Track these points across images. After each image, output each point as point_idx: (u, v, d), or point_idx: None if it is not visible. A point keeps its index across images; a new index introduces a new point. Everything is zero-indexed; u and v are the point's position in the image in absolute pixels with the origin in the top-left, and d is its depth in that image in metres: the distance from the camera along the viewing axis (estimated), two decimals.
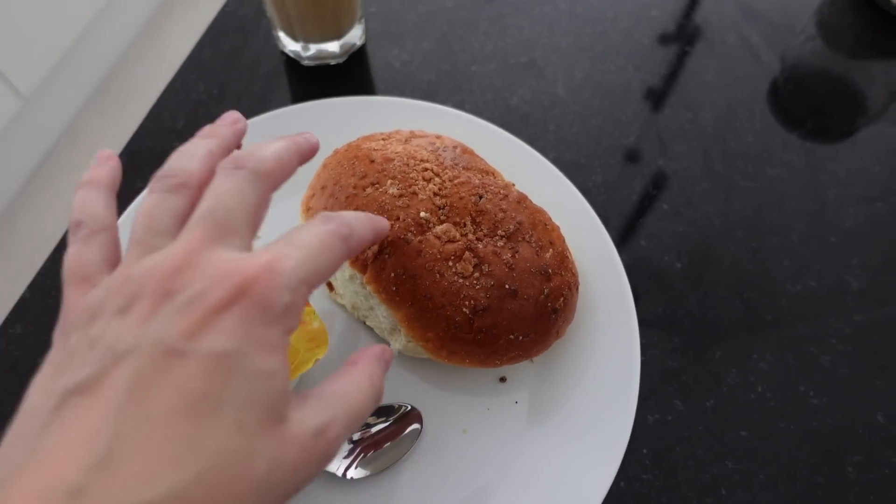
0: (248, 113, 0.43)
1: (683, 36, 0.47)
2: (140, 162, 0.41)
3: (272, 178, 0.22)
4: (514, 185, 0.34)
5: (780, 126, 0.43)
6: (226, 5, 0.47)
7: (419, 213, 0.30)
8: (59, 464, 0.16)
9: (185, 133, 0.42)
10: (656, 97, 0.44)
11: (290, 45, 0.44)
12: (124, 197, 0.39)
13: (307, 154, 0.24)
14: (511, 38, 0.47)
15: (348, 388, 0.22)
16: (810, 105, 0.45)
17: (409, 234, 0.30)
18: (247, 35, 0.46)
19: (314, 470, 0.20)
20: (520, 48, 0.46)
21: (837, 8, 0.49)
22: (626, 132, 0.43)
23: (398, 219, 0.30)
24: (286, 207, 0.34)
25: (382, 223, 0.25)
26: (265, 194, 0.22)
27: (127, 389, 0.17)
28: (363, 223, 0.23)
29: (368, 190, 0.31)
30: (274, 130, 0.39)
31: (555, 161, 0.41)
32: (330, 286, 0.35)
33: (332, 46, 0.43)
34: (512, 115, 0.43)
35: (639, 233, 0.39)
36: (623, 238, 0.39)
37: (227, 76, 0.44)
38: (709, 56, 0.46)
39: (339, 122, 0.39)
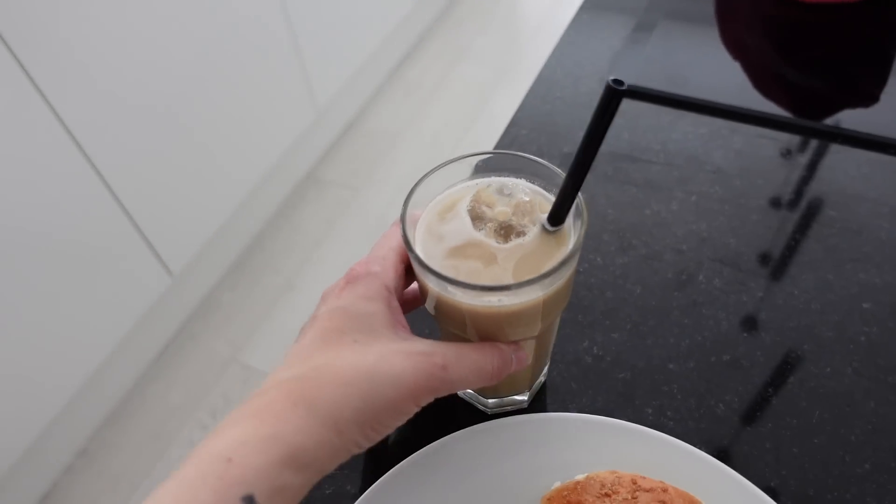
0: (441, 409, 0.42)
1: None
2: None
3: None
4: None
5: None
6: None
7: None
8: (278, 368, 0.30)
9: None
10: (885, 416, 0.40)
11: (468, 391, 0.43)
12: None
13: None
14: (708, 331, 0.44)
15: (467, 348, 0.31)
16: None
17: None
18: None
19: (420, 382, 0.28)
20: (719, 344, 0.44)
21: None
22: (858, 456, 0.38)
23: None
24: None
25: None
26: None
27: (300, 335, 0.31)
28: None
29: None
30: (461, 450, 0.37)
31: (778, 489, 0.36)
32: None
33: (521, 397, 0.42)
34: (721, 429, 0.40)
35: None
36: None
37: None
38: None
39: (533, 443, 0.37)
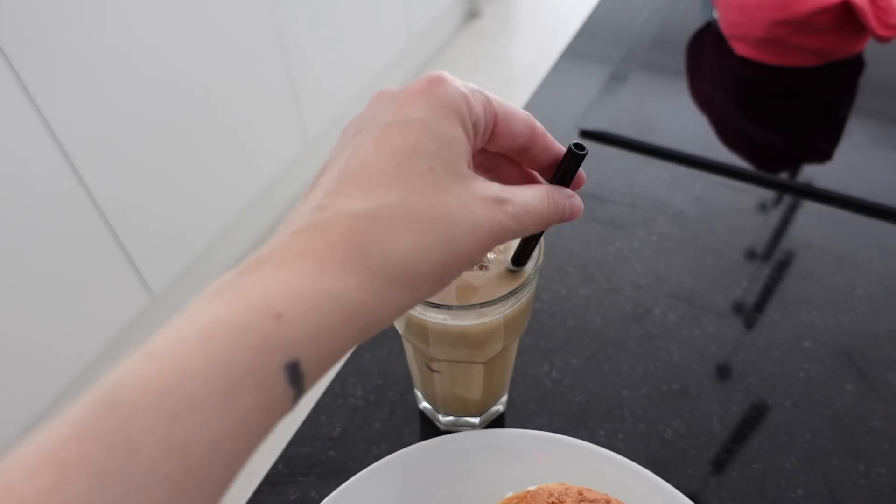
0: (403, 423, 0.44)
1: (842, 381, 0.46)
2: (294, 470, 0.42)
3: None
4: None
5: None
6: None
7: None
8: (314, 194, 0.23)
9: (340, 443, 0.43)
10: (819, 446, 0.42)
11: (426, 405, 0.45)
12: None
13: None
14: (661, 361, 0.47)
15: (529, 189, 0.26)
16: None
17: None
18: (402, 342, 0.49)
19: (494, 233, 0.24)
20: (670, 373, 0.46)
21: None
22: (792, 482, 0.41)
23: None
24: None
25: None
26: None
27: (353, 147, 0.24)
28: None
29: None
30: (421, 461, 0.39)
31: None
32: None
33: (473, 420, 0.44)
34: (668, 452, 0.42)
35: None
36: None
37: (383, 382, 0.46)
38: (873, 399, 0.45)
39: (488, 456, 0.40)
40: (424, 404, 0.44)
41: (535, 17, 2.46)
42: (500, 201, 0.24)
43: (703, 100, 0.69)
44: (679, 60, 0.74)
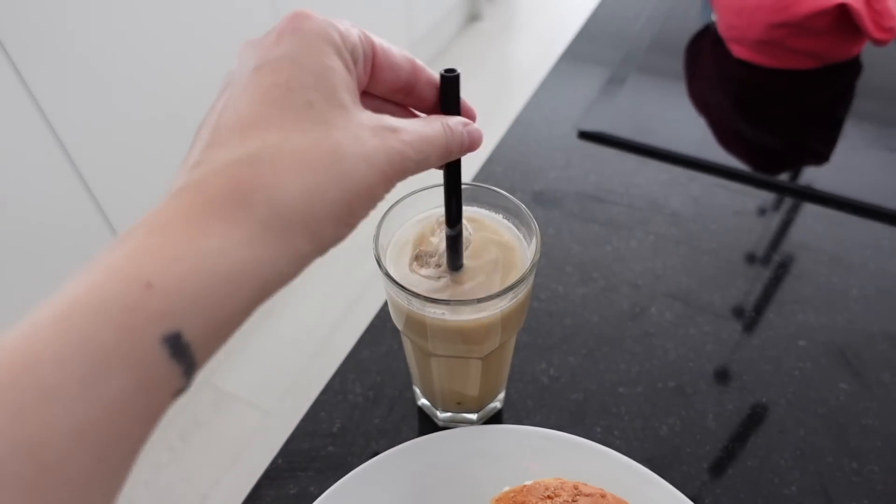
0: (401, 419, 0.44)
1: (837, 379, 0.47)
2: (294, 465, 0.42)
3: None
4: None
5: None
6: (384, 305, 0.51)
7: None
8: (190, 154, 0.21)
9: (339, 438, 0.44)
10: (813, 443, 0.43)
11: (424, 402, 0.45)
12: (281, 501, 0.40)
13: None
14: (657, 359, 0.48)
15: (421, 119, 0.25)
16: None
17: None
18: (401, 340, 0.49)
19: (394, 163, 0.22)
20: (666, 372, 0.47)
21: None
22: (787, 479, 0.41)
23: None
24: None
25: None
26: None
27: (225, 100, 0.22)
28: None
29: None
30: (419, 456, 0.40)
31: None
32: None
33: (471, 416, 0.44)
34: (663, 449, 0.43)
35: None
36: None
37: (382, 379, 0.47)
38: (867, 398, 0.45)
39: (485, 451, 0.40)
40: (423, 401, 0.45)
41: (535, 19, 2.47)
42: (393, 129, 0.23)
43: (701, 102, 0.69)
44: (677, 63, 0.74)
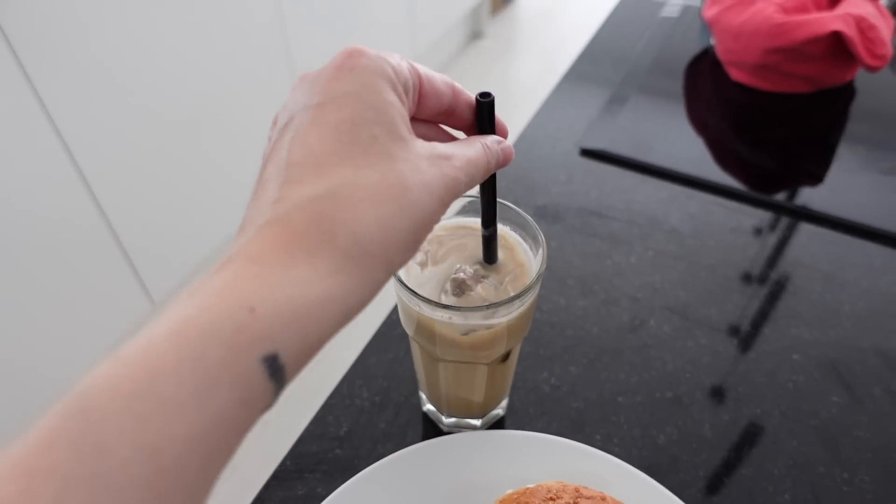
0: (407, 424, 0.46)
1: (829, 392, 0.48)
2: (302, 467, 0.44)
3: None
4: None
5: None
6: (390, 314, 0.53)
7: None
8: (266, 189, 0.23)
9: (347, 441, 0.45)
10: (806, 454, 0.44)
11: (430, 407, 0.47)
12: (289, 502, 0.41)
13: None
14: (655, 370, 0.49)
15: (464, 143, 0.27)
16: None
17: None
18: (408, 347, 0.50)
19: (449, 189, 0.24)
20: (664, 382, 0.48)
21: None
22: (780, 488, 0.43)
23: None
24: None
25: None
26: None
27: (292, 135, 0.23)
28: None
29: None
30: (425, 459, 0.41)
31: None
32: None
33: (475, 422, 0.46)
34: (661, 457, 0.44)
35: None
36: None
37: (388, 384, 0.48)
38: (858, 411, 0.46)
39: (489, 455, 0.41)
40: (428, 406, 0.46)
41: (536, 39, 2.51)
42: (446, 157, 0.25)
43: (699, 122, 0.72)
44: (676, 84, 0.77)
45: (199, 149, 1.32)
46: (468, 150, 0.26)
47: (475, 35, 2.46)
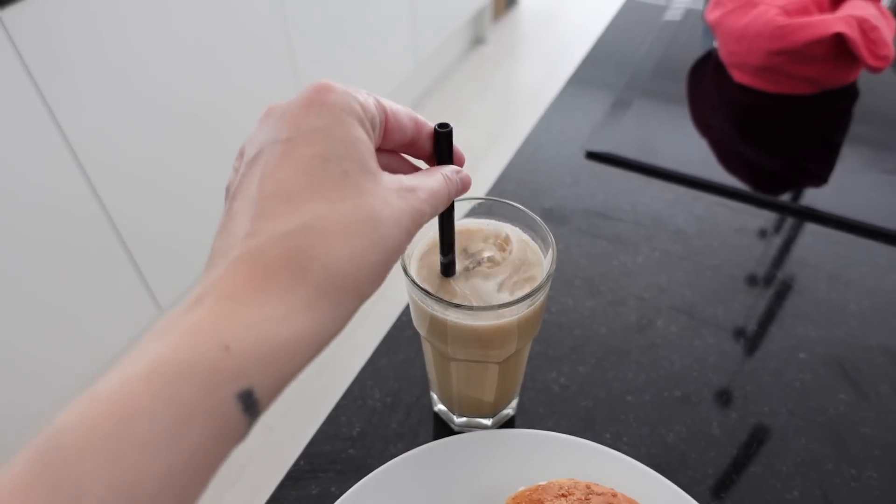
0: (418, 424, 0.46)
1: (836, 390, 0.49)
2: (316, 467, 0.44)
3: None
4: None
5: None
6: (400, 316, 0.53)
7: None
8: (237, 221, 0.23)
9: (359, 441, 0.45)
10: (813, 451, 0.45)
11: (441, 407, 0.47)
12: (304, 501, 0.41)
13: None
14: (663, 369, 0.50)
15: (426, 174, 0.28)
16: None
17: None
18: (418, 348, 0.51)
19: (416, 221, 0.25)
20: (672, 381, 0.49)
21: None
22: (788, 485, 0.43)
23: None
24: None
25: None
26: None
27: (262, 169, 0.23)
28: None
29: None
30: (437, 458, 0.42)
31: None
32: None
33: (486, 421, 0.46)
34: (669, 454, 0.45)
35: None
36: None
37: (399, 385, 0.49)
38: (865, 408, 0.47)
39: (501, 454, 0.42)
40: (440, 406, 0.46)
41: (538, 44, 2.52)
42: (411, 189, 0.26)
43: (703, 124, 0.72)
44: (680, 87, 0.77)
45: (206, 155, 1.33)
46: (431, 182, 0.27)
47: (477, 41, 2.47)
